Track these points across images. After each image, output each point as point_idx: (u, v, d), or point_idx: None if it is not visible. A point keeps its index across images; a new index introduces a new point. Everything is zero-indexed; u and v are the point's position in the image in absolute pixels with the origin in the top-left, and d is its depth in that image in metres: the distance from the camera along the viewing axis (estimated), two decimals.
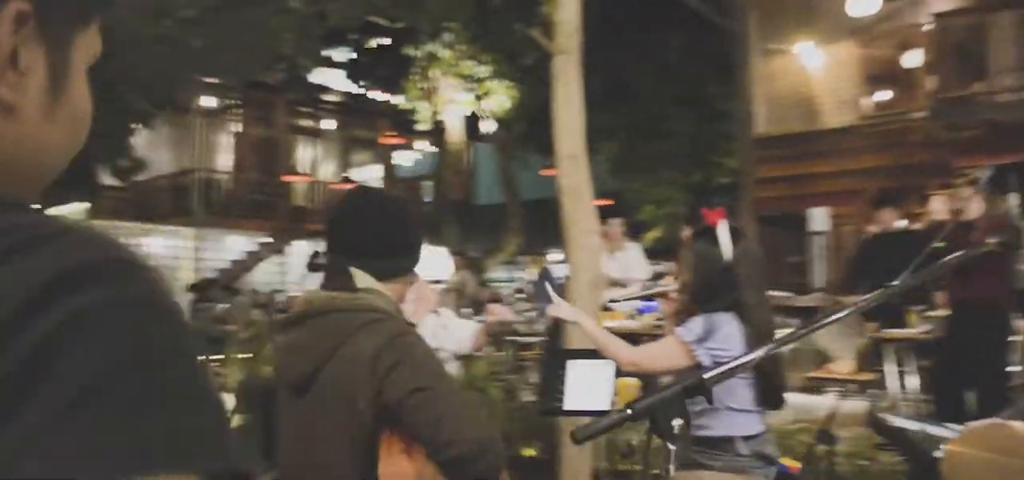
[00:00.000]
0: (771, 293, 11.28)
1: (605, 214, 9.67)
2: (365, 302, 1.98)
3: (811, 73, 13.40)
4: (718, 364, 2.83)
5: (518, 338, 8.81)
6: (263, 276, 18.13)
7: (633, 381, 4.06)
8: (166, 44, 10.85)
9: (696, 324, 2.90)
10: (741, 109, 13.72)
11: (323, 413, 1.95)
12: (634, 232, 10.71)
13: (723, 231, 2.94)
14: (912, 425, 3.68)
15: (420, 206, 21.67)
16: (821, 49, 13.19)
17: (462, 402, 1.89)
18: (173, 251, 16.47)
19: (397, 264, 2.10)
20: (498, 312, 3.55)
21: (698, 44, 14.82)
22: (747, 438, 2.93)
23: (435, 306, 3.43)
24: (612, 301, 8.74)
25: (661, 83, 15.41)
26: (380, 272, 2.05)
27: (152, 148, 17.97)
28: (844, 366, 7.07)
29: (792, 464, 2.23)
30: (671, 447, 1.44)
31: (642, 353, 3.09)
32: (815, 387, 7.36)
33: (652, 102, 15.72)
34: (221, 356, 9.72)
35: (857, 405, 7.56)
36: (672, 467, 1.44)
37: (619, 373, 4.06)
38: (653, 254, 10.16)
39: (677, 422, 1.44)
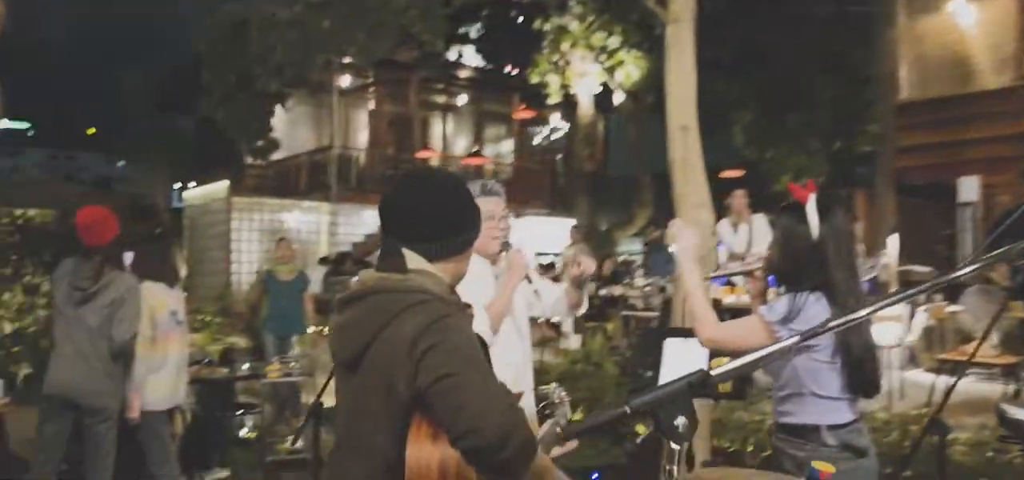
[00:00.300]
0: (914, 268, 10.66)
1: (733, 186, 9.36)
2: (414, 283, 1.98)
3: (964, 31, 12.43)
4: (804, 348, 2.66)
5: (635, 313, 8.65)
6: None
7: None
8: (298, 27, 11.23)
9: (781, 304, 2.73)
10: (884, 72, 12.92)
11: (367, 391, 1.96)
12: (769, 204, 10.26)
13: (811, 207, 2.73)
14: None
15: (553, 173, 21.63)
16: (975, 4, 12.22)
17: (488, 391, 1.83)
18: (310, 226, 17.00)
19: (448, 244, 2.07)
20: (584, 263, 3.45)
21: (839, 5, 14.05)
22: (834, 427, 2.74)
23: (525, 274, 3.35)
24: (717, 276, 8.46)
25: (799, 48, 14.67)
26: (431, 253, 2.04)
27: (291, 128, 18.73)
28: (985, 348, 6.50)
29: (824, 468, 2.03)
30: (675, 446, 1.32)
31: (724, 331, 2.92)
32: (949, 369, 6.81)
33: (790, 68, 15.00)
34: None
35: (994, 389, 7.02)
36: (676, 469, 1.31)
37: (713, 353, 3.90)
38: None
39: (681, 420, 1.32)
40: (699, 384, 1.33)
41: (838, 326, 1.62)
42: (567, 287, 3.67)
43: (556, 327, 12.38)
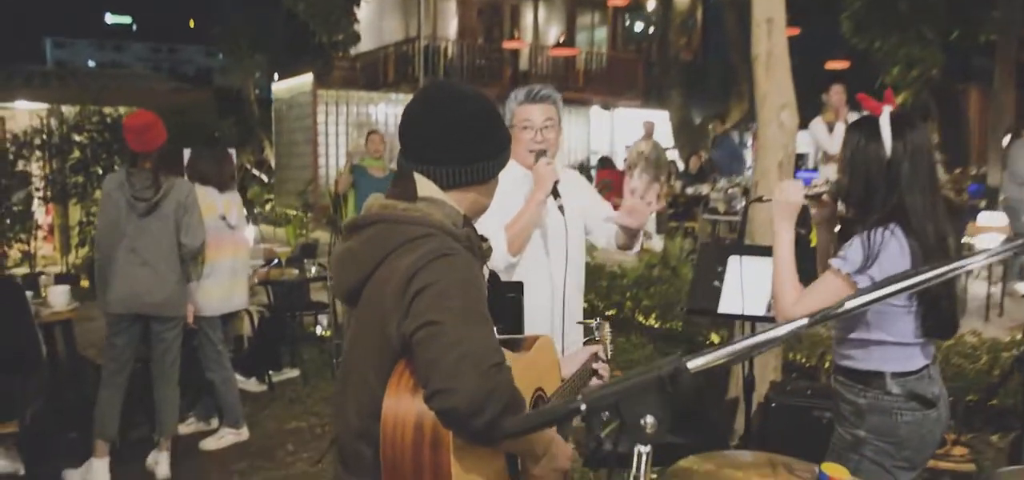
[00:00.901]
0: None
1: (835, 79, 8.71)
2: (419, 214, 1.78)
3: None
4: (872, 279, 2.35)
5: (718, 217, 8.27)
6: None
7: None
8: None
9: (854, 251, 2.39)
10: None
11: (364, 328, 1.79)
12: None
13: (884, 122, 2.39)
14: None
15: (647, 63, 20.94)
16: None
17: (469, 348, 1.59)
18: (398, 119, 16.92)
19: (466, 171, 1.86)
20: (638, 208, 3.08)
21: None
22: (899, 375, 2.44)
23: (553, 188, 3.07)
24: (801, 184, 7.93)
25: None
26: (445, 179, 1.85)
27: (378, 19, 18.52)
28: None
29: (836, 474, 1.76)
30: (641, 449, 1.10)
31: (806, 305, 2.47)
32: None
33: None
34: None
35: None
36: (642, 475, 1.09)
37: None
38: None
39: (649, 419, 1.09)
40: (671, 378, 1.09)
41: (925, 281, 1.31)
42: (621, 211, 3.30)
43: None
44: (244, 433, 5.13)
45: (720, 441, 4.80)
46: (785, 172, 5.02)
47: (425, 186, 1.82)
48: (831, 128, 8.34)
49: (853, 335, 2.51)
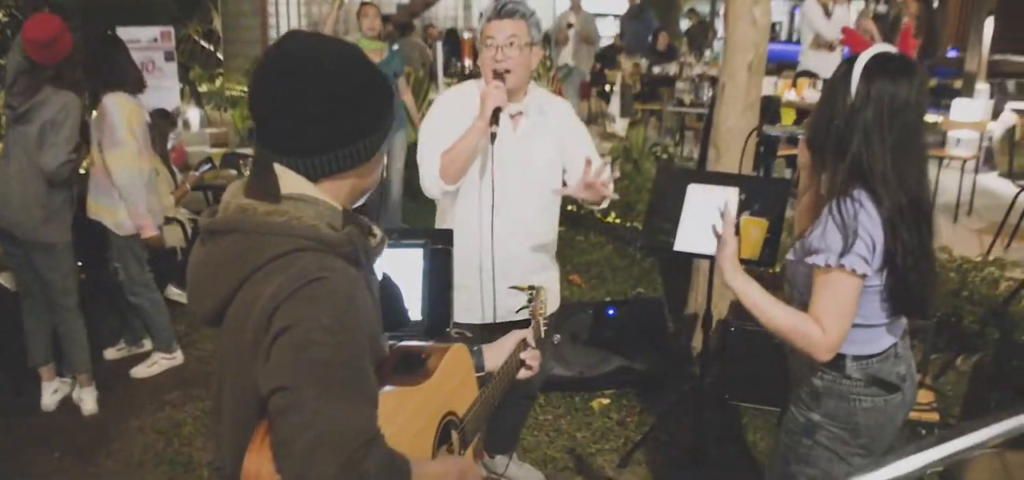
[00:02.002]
0: (1009, 57, 9.49)
1: None
2: (283, 220, 1.41)
3: None
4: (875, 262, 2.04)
5: (684, 109, 7.90)
6: (446, 10, 17.60)
7: (759, 221, 3.25)
8: None
9: (828, 235, 2.06)
10: None
11: (228, 360, 1.46)
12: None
13: (859, 65, 2.02)
14: None
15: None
16: None
17: (328, 430, 1.24)
18: None
19: (338, 157, 1.47)
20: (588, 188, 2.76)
21: None
22: (860, 358, 2.17)
23: (495, 112, 2.77)
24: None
25: None
26: (314, 169, 1.46)
27: None
28: None
29: None
30: None
31: (833, 327, 2.09)
32: None
33: None
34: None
35: None
36: None
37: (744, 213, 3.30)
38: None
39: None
40: None
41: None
42: (577, 186, 2.87)
43: (604, 99, 11.69)
44: (178, 357, 4.83)
45: (675, 362, 4.62)
46: (755, 74, 4.67)
47: (289, 180, 1.44)
48: (828, 10, 7.85)
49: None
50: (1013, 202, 5.92)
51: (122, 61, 4.33)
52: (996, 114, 7.93)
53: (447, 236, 2.58)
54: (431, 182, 2.85)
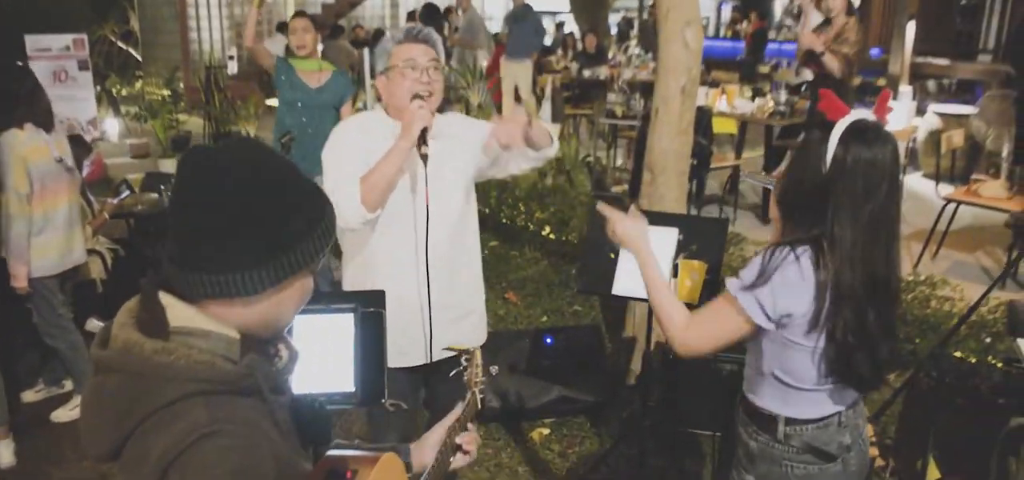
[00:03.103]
0: (930, 60, 9.70)
1: None
2: (168, 364, 1.27)
3: None
4: (777, 321, 1.99)
5: (615, 120, 7.88)
6: (373, 10, 17.38)
7: (698, 264, 3.23)
8: None
9: (749, 271, 2.04)
10: None
11: None
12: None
13: (837, 131, 1.95)
14: None
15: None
16: None
17: None
18: None
19: (249, 278, 1.31)
20: (510, 129, 2.67)
21: None
22: (794, 422, 2.13)
23: (422, 135, 2.63)
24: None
25: None
26: (216, 291, 1.30)
27: None
28: (995, 187, 5.82)
29: None
30: None
31: (696, 330, 2.15)
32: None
33: None
34: None
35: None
36: None
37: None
38: None
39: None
40: None
41: None
42: (489, 132, 2.76)
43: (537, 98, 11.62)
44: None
45: (614, 389, 4.60)
46: (688, 97, 4.65)
47: (178, 312, 1.30)
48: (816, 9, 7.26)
49: (753, 366, 2.19)
50: (940, 214, 6.06)
51: (25, 95, 4.08)
52: (921, 114, 8.12)
53: (379, 298, 2.44)
54: (351, 210, 2.60)
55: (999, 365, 4.26)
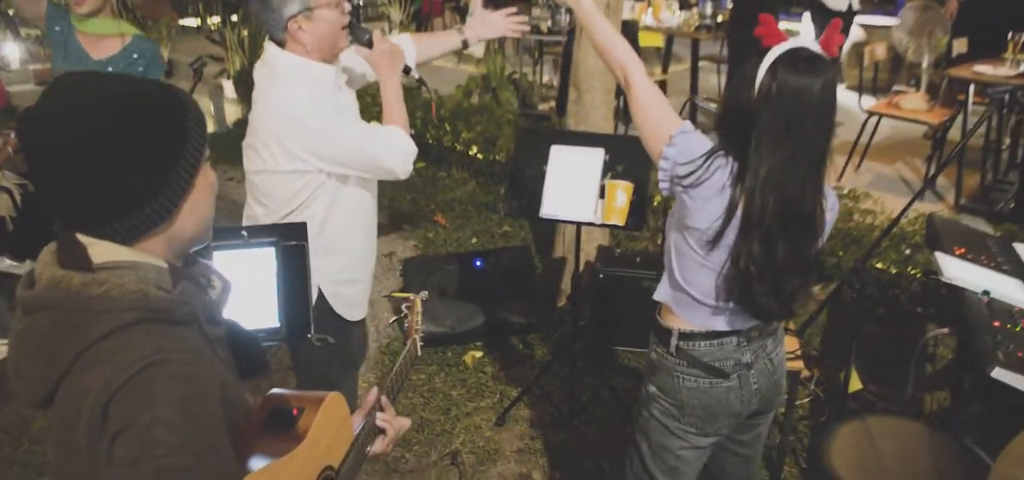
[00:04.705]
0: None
1: None
2: (100, 296, 1.21)
3: None
4: (672, 180, 2.01)
5: (542, 37, 7.75)
6: None
7: (625, 184, 3.19)
8: None
9: (687, 135, 2.03)
10: None
11: (65, 450, 1.25)
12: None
13: (768, 60, 1.90)
14: (973, 279, 2.82)
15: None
16: None
17: None
18: None
19: (144, 216, 1.25)
20: None
21: None
22: (686, 336, 2.14)
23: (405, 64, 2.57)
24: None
25: None
26: (125, 234, 1.25)
27: None
28: (915, 99, 5.91)
29: None
30: None
31: (647, 92, 2.11)
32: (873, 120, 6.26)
33: None
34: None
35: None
36: None
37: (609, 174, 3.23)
38: None
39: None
40: None
41: None
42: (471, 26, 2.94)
43: (459, 15, 11.37)
44: None
45: (546, 310, 4.60)
46: (614, 13, 4.57)
47: (100, 249, 1.24)
48: None
49: (666, 274, 2.18)
50: (863, 126, 6.15)
51: None
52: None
53: (301, 230, 2.35)
54: (408, 148, 2.48)
55: (919, 275, 4.38)
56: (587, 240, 4.54)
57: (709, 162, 1.95)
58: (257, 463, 1.37)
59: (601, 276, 4.16)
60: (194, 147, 1.29)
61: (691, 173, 1.96)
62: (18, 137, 1.27)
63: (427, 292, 2.36)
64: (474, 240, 5.56)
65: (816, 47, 1.93)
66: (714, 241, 1.97)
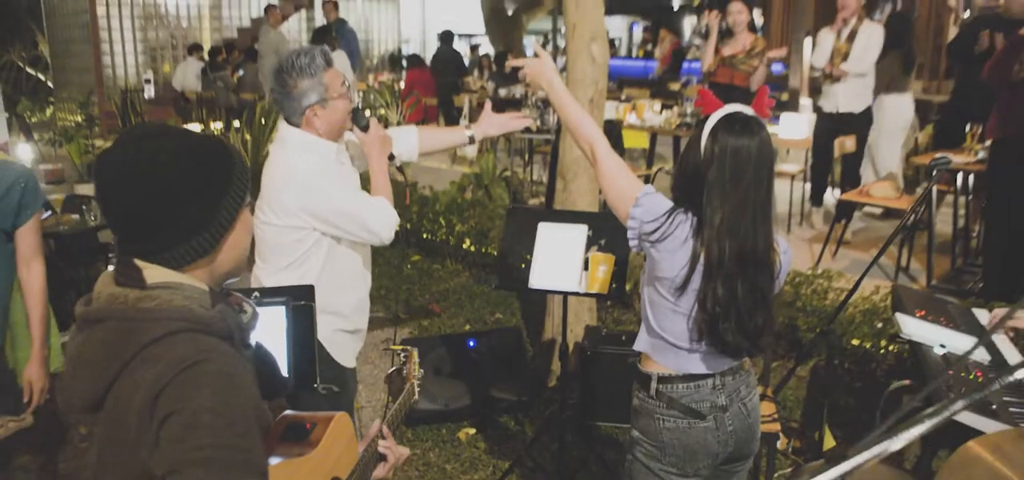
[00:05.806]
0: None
1: None
2: (154, 304, 1.44)
3: None
4: (640, 236, 2.25)
5: (531, 134, 8.12)
6: (289, 34, 17.31)
7: (606, 256, 3.45)
8: None
9: (650, 196, 2.29)
10: None
11: (111, 449, 1.46)
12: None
13: (709, 124, 2.19)
14: (930, 336, 3.05)
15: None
16: None
17: None
18: (190, 8, 15.61)
19: (193, 246, 1.51)
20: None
21: None
22: (665, 379, 2.33)
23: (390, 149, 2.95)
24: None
25: None
26: (175, 261, 1.50)
27: None
28: (884, 186, 6.22)
29: None
30: None
31: (612, 165, 2.37)
32: (845, 210, 6.58)
33: None
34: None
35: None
36: None
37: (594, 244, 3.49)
38: None
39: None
40: None
41: None
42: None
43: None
44: (27, 419, 4.58)
45: (537, 389, 4.78)
46: (597, 108, 4.89)
47: (153, 272, 1.48)
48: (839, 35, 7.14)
49: (644, 324, 2.39)
50: (836, 218, 6.45)
51: None
52: None
53: (308, 292, 2.59)
54: (390, 222, 2.82)
55: (892, 349, 4.60)
56: (576, 321, 4.77)
57: (671, 218, 2.21)
58: (276, 461, 1.59)
59: (588, 353, 4.37)
60: (237, 190, 1.54)
61: (657, 229, 2.21)
62: (93, 175, 1.51)
63: (422, 370, 2.57)
64: (467, 326, 5.76)
65: (750, 111, 2.22)
66: (682, 287, 2.21)
